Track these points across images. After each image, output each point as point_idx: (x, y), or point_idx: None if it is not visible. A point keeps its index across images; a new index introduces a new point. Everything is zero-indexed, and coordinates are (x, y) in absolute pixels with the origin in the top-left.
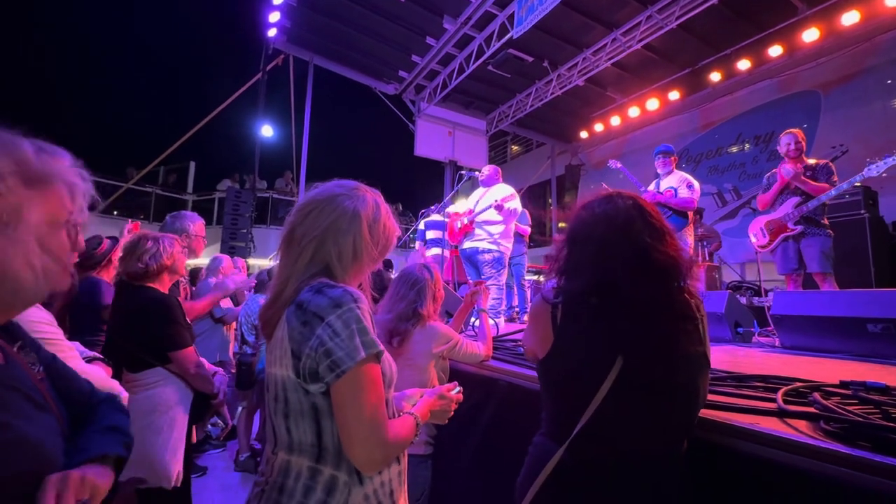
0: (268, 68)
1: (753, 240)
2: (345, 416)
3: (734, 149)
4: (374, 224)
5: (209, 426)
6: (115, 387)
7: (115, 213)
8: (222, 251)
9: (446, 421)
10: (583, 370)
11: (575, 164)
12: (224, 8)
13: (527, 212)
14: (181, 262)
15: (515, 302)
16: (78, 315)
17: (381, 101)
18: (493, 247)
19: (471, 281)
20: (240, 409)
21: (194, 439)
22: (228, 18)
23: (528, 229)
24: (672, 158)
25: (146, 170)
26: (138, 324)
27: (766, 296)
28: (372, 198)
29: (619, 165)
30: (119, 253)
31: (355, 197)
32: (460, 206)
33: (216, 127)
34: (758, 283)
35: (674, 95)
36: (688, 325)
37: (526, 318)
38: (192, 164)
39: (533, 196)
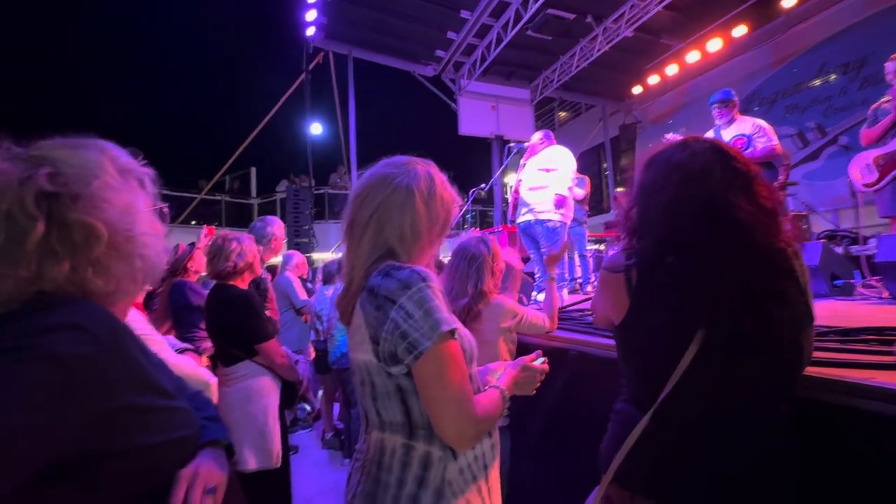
0: (310, 67)
1: (858, 177)
2: (430, 397)
3: (817, 82)
4: (430, 198)
5: (298, 410)
6: (204, 374)
7: (193, 222)
8: (288, 248)
9: (533, 392)
10: (665, 333)
11: (629, 123)
12: (262, 14)
13: (586, 178)
14: (258, 260)
15: (578, 273)
16: (173, 315)
17: (422, 84)
18: (549, 216)
19: (531, 255)
20: (320, 393)
21: (287, 423)
22: (267, 23)
23: (587, 193)
24: (733, 105)
25: (214, 180)
26: (225, 320)
27: (866, 243)
28: (424, 170)
29: (675, 136)
30: (195, 257)
31: (406, 173)
32: (511, 179)
33: (269, 131)
34: (855, 230)
35: (740, 31)
36: (784, 277)
37: (589, 288)
38: (253, 170)
39: (585, 164)
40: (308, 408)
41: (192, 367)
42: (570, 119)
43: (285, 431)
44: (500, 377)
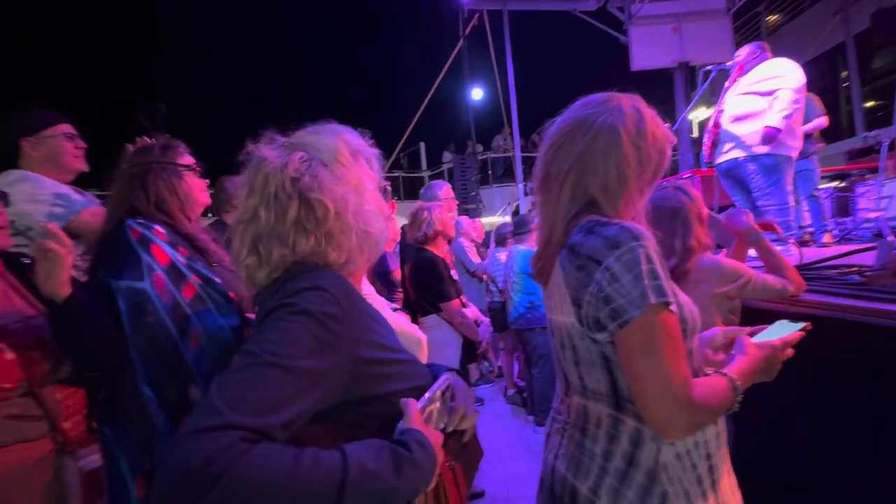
0: (467, 32)
1: None
2: (634, 372)
3: None
4: (640, 138)
5: (482, 367)
6: (416, 331)
7: None
8: (458, 215)
9: (773, 377)
10: None
11: (890, 7)
12: None
13: (815, 98)
14: (449, 225)
15: (806, 220)
16: (374, 281)
17: (583, 22)
18: (765, 149)
19: (735, 202)
20: (501, 351)
21: (472, 378)
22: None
23: (823, 121)
24: None
25: (391, 159)
26: (417, 279)
27: None
28: (630, 105)
29: None
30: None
31: (608, 111)
32: (700, 114)
33: (431, 104)
34: None
35: None
36: None
37: (827, 238)
38: (422, 145)
39: (812, 77)
40: (488, 365)
41: (406, 324)
42: (785, 23)
43: (467, 383)
44: (732, 363)
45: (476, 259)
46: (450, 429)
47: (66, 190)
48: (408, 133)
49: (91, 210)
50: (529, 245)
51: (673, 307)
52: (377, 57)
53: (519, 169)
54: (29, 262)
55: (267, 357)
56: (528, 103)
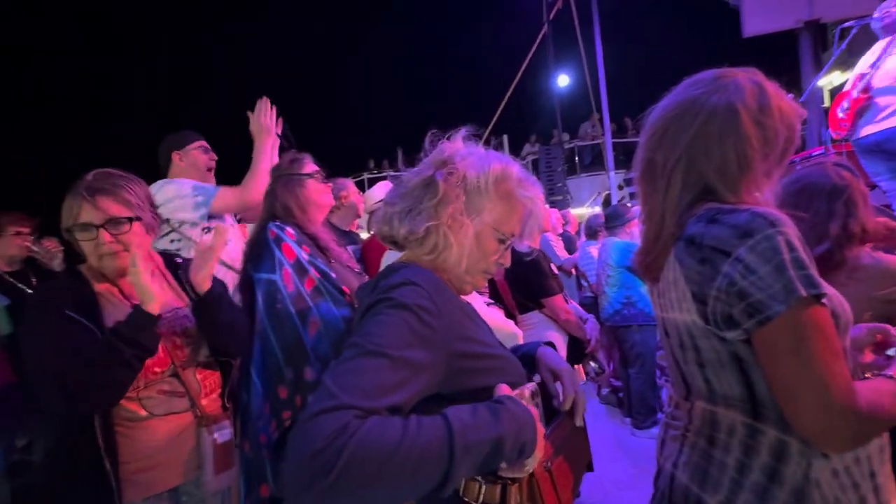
0: (551, 17)
1: None
2: (781, 376)
3: None
4: (763, 114)
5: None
6: (511, 326)
7: None
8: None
9: None
10: None
11: None
12: None
13: None
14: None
15: None
16: None
17: None
18: None
19: (880, 183)
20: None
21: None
22: None
23: None
24: None
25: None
26: (518, 274)
27: None
28: (747, 79)
29: None
30: None
31: (721, 88)
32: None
33: (512, 95)
34: None
35: None
36: None
37: None
38: (505, 137)
39: None
40: (595, 365)
41: (501, 319)
42: None
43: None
44: None
45: (563, 253)
46: (565, 407)
47: (197, 182)
48: (490, 127)
49: (220, 191)
50: (624, 237)
51: (825, 300)
52: (458, 52)
53: (610, 156)
54: (181, 261)
55: (371, 347)
56: (619, 87)
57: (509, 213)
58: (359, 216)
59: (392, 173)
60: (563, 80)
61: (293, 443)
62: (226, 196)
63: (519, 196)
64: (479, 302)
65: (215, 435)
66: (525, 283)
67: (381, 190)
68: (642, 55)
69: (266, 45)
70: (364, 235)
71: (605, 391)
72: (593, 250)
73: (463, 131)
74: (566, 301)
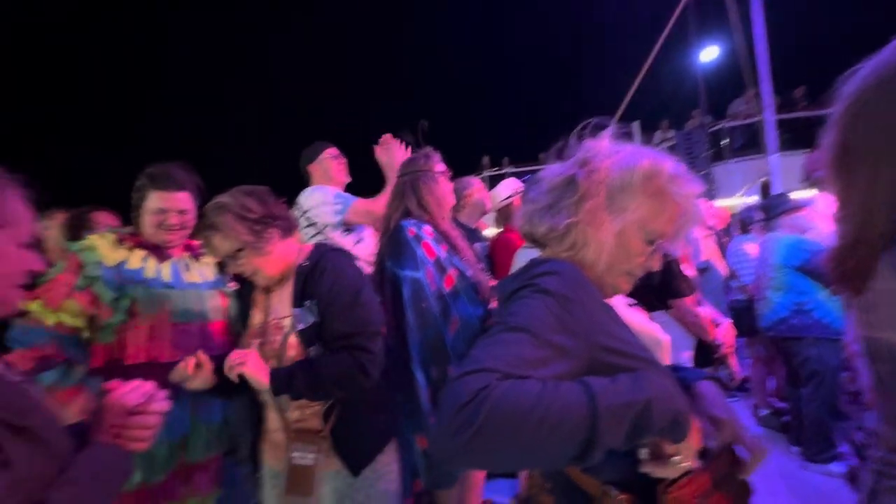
0: None
1: None
2: None
3: None
4: None
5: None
6: (656, 331)
7: None
8: None
9: None
10: None
11: None
12: None
13: None
14: None
15: None
16: None
17: None
18: None
19: None
20: (745, 360)
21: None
22: None
23: None
24: None
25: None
26: (646, 275)
27: None
28: None
29: None
30: None
31: None
32: None
33: (644, 81)
34: None
35: None
36: None
37: None
38: (636, 124)
39: None
40: (727, 372)
41: (644, 322)
42: None
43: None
44: None
45: (704, 253)
46: (720, 444)
47: (339, 190)
48: (619, 113)
49: (355, 203)
50: (787, 231)
51: None
52: (585, 35)
53: (772, 136)
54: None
55: (514, 324)
56: (778, 55)
57: (658, 212)
58: (485, 213)
59: (511, 169)
60: (710, 54)
61: (442, 400)
62: (357, 208)
63: (671, 193)
64: (620, 302)
65: (294, 454)
66: (653, 283)
67: (507, 187)
68: (805, 19)
69: (384, 40)
70: (487, 233)
71: (762, 412)
72: (748, 247)
73: (611, 129)
74: (698, 304)
